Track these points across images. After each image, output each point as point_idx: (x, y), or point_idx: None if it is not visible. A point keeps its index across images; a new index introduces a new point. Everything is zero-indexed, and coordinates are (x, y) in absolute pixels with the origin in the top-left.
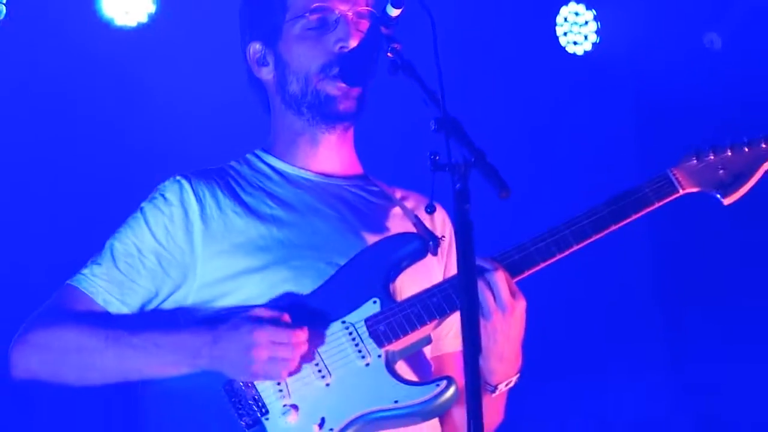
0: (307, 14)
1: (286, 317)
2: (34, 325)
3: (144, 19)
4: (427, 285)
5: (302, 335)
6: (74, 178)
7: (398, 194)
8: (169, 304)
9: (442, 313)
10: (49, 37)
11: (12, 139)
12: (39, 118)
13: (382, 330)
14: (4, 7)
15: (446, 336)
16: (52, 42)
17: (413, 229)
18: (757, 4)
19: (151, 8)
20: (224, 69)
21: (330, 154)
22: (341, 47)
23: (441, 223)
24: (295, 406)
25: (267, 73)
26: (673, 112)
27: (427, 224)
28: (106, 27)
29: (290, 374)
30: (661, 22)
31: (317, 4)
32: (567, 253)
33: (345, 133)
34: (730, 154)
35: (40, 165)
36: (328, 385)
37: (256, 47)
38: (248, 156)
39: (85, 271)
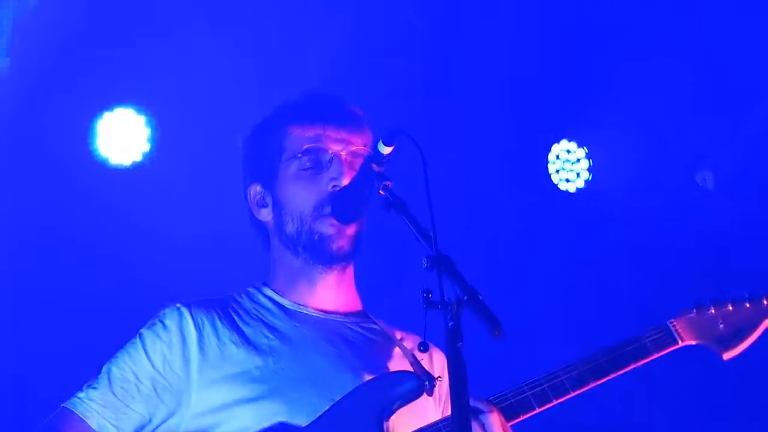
0: (300, 155)
1: None
2: None
3: (138, 158)
4: (421, 425)
5: None
6: (74, 306)
7: (398, 335)
8: (161, 431)
9: None
10: (45, 175)
11: (10, 274)
12: (39, 252)
13: None
14: None
15: None
16: (47, 180)
17: (410, 369)
18: (751, 142)
19: (146, 147)
20: (219, 205)
21: (328, 293)
22: (334, 186)
23: (439, 364)
24: None
25: (266, 215)
26: (666, 250)
27: (425, 365)
28: (101, 167)
29: None
30: (653, 159)
31: (310, 145)
32: (563, 399)
33: (343, 272)
34: (731, 308)
35: (40, 296)
36: None
37: (256, 189)
38: (249, 289)
39: (81, 394)
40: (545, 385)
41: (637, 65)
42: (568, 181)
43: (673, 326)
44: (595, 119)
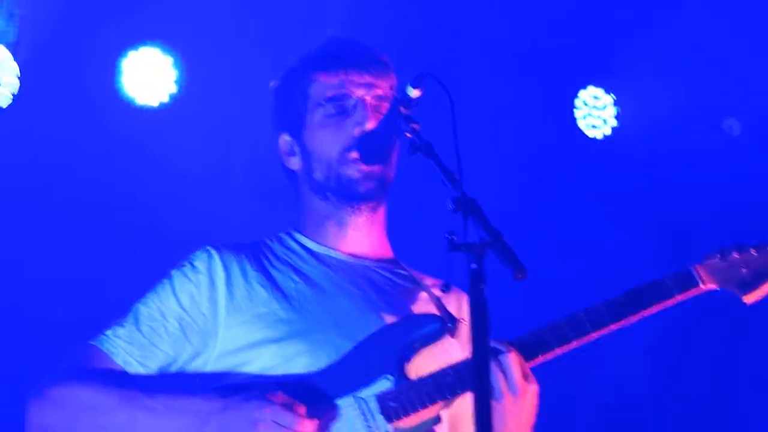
0: (324, 102)
1: (301, 408)
2: (52, 381)
3: (166, 99)
4: (443, 365)
5: (309, 426)
6: (107, 251)
7: (427, 281)
8: (188, 371)
9: (453, 393)
10: (69, 114)
11: (36, 217)
12: (61, 195)
13: (392, 406)
14: (18, 81)
15: (463, 423)
16: (72, 119)
17: (434, 311)
18: None
19: (173, 89)
20: (246, 150)
21: (359, 236)
22: (359, 131)
23: (464, 306)
24: None
25: (295, 163)
26: (691, 197)
27: (452, 308)
28: (127, 106)
29: None
30: (680, 106)
31: (335, 92)
32: (584, 340)
33: (373, 214)
34: (754, 253)
35: (67, 241)
36: None
37: (285, 139)
38: (280, 234)
39: (108, 332)
40: (565, 327)
41: (665, 10)
42: (594, 127)
43: (696, 270)
44: (622, 65)
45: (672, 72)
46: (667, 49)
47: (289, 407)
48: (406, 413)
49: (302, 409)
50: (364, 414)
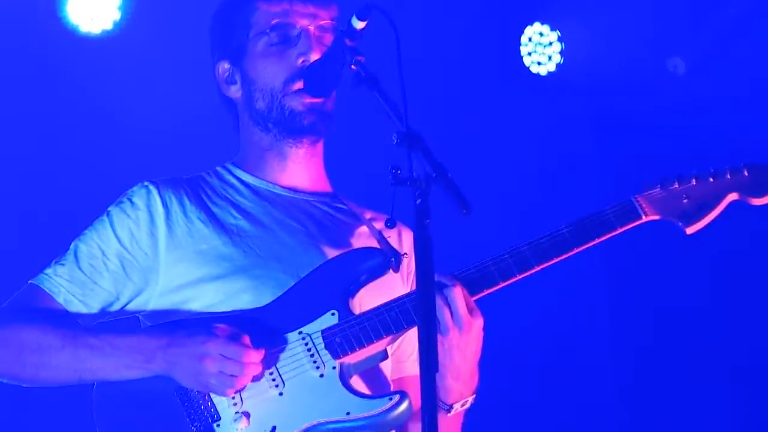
0: (268, 30)
1: (246, 338)
2: None
3: (109, 26)
4: (386, 299)
5: (255, 356)
6: (41, 183)
7: (368, 214)
8: (130, 309)
9: (399, 328)
10: (12, 42)
11: None
12: (4, 124)
13: (338, 342)
14: None
15: (408, 359)
16: (14, 48)
17: (377, 246)
18: (722, 29)
19: (116, 15)
20: (189, 79)
21: (298, 169)
22: (303, 61)
23: (408, 241)
24: (246, 414)
25: (235, 91)
26: (635, 135)
27: (394, 242)
28: (71, 34)
29: (237, 391)
30: (626, 45)
31: (278, 20)
32: (527, 273)
33: (313, 147)
34: (694, 183)
35: (5, 170)
36: (281, 394)
37: (224, 66)
38: (218, 168)
39: (48, 270)
40: (509, 260)
41: None
42: (540, 64)
43: (637, 201)
44: (568, 1)
45: (617, 9)
46: None
47: (234, 338)
48: (353, 349)
49: (247, 339)
50: (309, 349)
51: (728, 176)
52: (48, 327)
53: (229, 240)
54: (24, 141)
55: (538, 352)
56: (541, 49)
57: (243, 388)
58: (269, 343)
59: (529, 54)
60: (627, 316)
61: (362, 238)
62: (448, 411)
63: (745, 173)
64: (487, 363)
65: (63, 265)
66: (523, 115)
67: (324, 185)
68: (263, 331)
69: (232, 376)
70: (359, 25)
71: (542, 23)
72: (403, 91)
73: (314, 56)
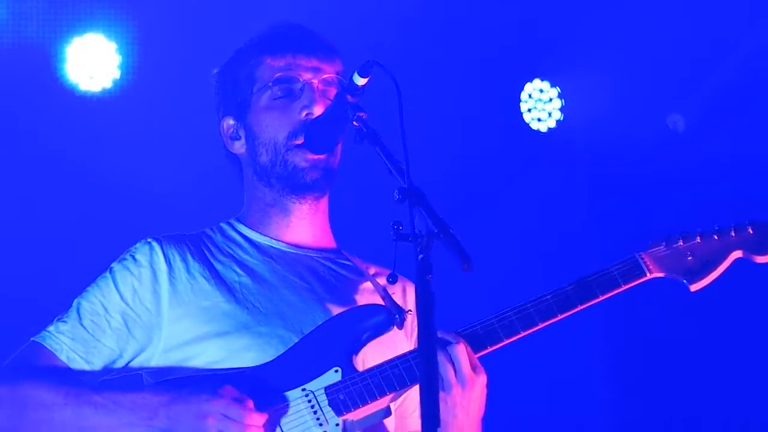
0: (272, 84)
1: (250, 403)
2: None
3: (108, 84)
4: (390, 356)
5: (258, 419)
6: (44, 241)
7: (372, 270)
8: (133, 366)
9: (403, 385)
10: (10, 100)
11: None
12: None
13: (341, 399)
14: None
15: (410, 415)
16: (13, 106)
17: (381, 302)
18: (721, 86)
19: (116, 73)
20: (191, 137)
21: (302, 225)
22: (307, 114)
23: (411, 297)
24: None
25: (240, 147)
26: (636, 192)
27: (397, 298)
28: (70, 93)
29: None
30: (625, 101)
31: (282, 74)
32: (531, 331)
33: (316, 203)
34: (699, 241)
35: (7, 227)
36: None
37: (229, 122)
38: (222, 224)
39: (51, 328)
40: (513, 318)
41: (611, 5)
42: (539, 120)
43: (642, 258)
44: (568, 58)
45: (617, 66)
46: (613, 43)
47: (238, 401)
48: (356, 405)
49: (250, 403)
50: (313, 407)
51: (733, 234)
52: (51, 384)
53: (233, 297)
54: (24, 199)
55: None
56: (541, 105)
57: None
58: (273, 400)
59: (529, 110)
60: (627, 375)
61: (366, 295)
62: None
63: (750, 231)
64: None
65: (65, 322)
66: (523, 171)
67: (328, 241)
68: (267, 388)
69: None
70: (361, 81)
71: (542, 79)
72: (405, 147)
73: (318, 109)
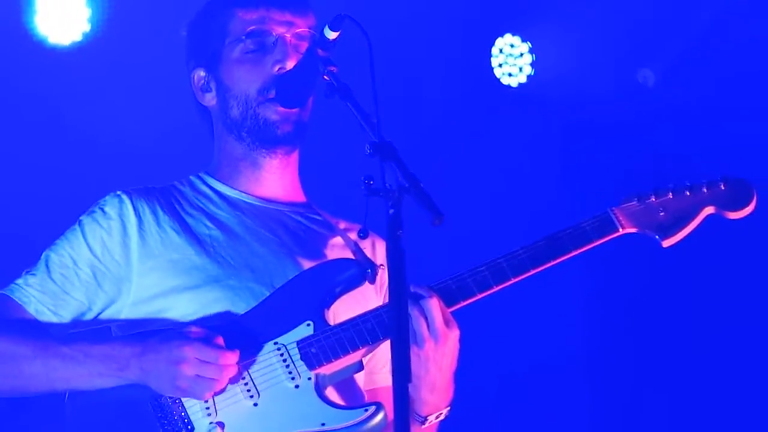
0: (244, 37)
1: (220, 339)
2: None
3: (78, 37)
4: (361, 311)
5: (232, 357)
6: (11, 193)
7: (342, 225)
8: (102, 319)
9: (375, 339)
10: None
11: None
12: None
13: (313, 353)
14: None
15: (381, 370)
16: None
17: (352, 257)
18: (691, 41)
19: (86, 27)
20: (161, 89)
21: (272, 179)
22: (279, 68)
23: (382, 252)
24: (221, 424)
25: (210, 99)
26: (608, 147)
27: (368, 253)
28: (39, 45)
29: (216, 394)
30: (597, 56)
31: (254, 27)
32: (504, 285)
33: (287, 157)
34: (671, 197)
35: None
36: (256, 404)
37: (199, 74)
38: (191, 177)
39: (19, 281)
40: (486, 272)
41: None
42: (510, 75)
43: (614, 213)
44: (539, 13)
45: (588, 21)
46: None
47: (208, 341)
48: (328, 360)
49: (221, 340)
50: (285, 360)
51: (705, 190)
52: (19, 337)
53: (203, 250)
54: None
55: (515, 361)
56: (512, 60)
57: (220, 392)
58: (244, 353)
59: (500, 65)
60: (603, 333)
61: (337, 249)
62: (423, 423)
63: (722, 187)
64: (464, 371)
65: (34, 275)
66: (493, 126)
67: (298, 195)
68: (238, 341)
69: (210, 379)
70: (332, 35)
71: (513, 34)
72: (376, 101)
73: (290, 63)
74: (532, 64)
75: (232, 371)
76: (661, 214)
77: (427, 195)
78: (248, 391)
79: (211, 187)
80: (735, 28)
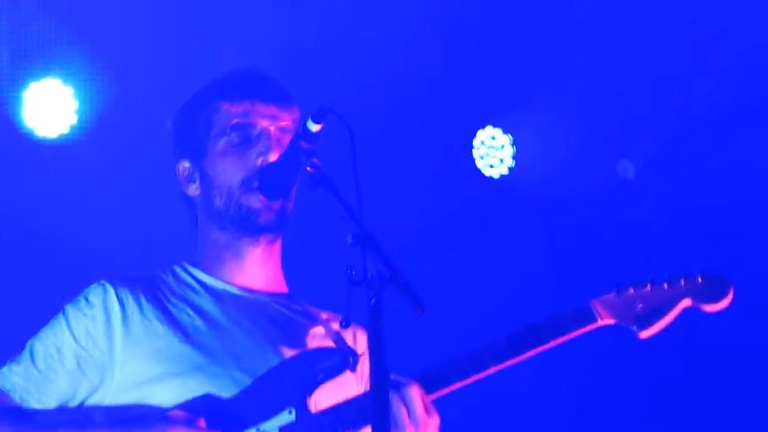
0: (229, 130)
1: (202, 422)
2: None
3: (65, 130)
4: (343, 399)
5: None
6: None
7: (323, 315)
8: (86, 406)
9: (355, 427)
10: None
11: None
12: None
13: None
14: None
15: None
16: None
17: (333, 346)
18: (669, 133)
19: (74, 119)
20: (146, 181)
21: (255, 268)
22: (262, 161)
23: (363, 342)
24: None
25: (194, 190)
26: (587, 238)
27: (349, 342)
28: (26, 138)
29: None
30: (576, 148)
31: (239, 120)
32: (484, 374)
33: (270, 246)
34: (649, 289)
35: None
36: None
37: (184, 165)
38: (175, 267)
39: (4, 369)
40: (466, 361)
41: (562, 53)
42: (492, 166)
43: (593, 305)
44: (520, 106)
45: (568, 114)
46: (564, 90)
47: (191, 423)
48: None
49: (203, 422)
50: None
51: (682, 283)
52: (4, 423)
53: (186, 338)
54: None
55: None
56: (493, 152)
57: None
58: None
59: (482, 157)
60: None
61: (318, 339)
62: None
63: (699, 280)
64: None
65: (19, 363)
66: (476, 217)
67: (280, 286)
68: (221, 426)
69: None
70: (314, 127)
71: (494, 126)
72: (358, 193)
73: (273, 156)
74: (513, 156)
75: None
76: (639, 305)
77: (408, 285)
78: None
79: (194, 277)
80: (710, 122)
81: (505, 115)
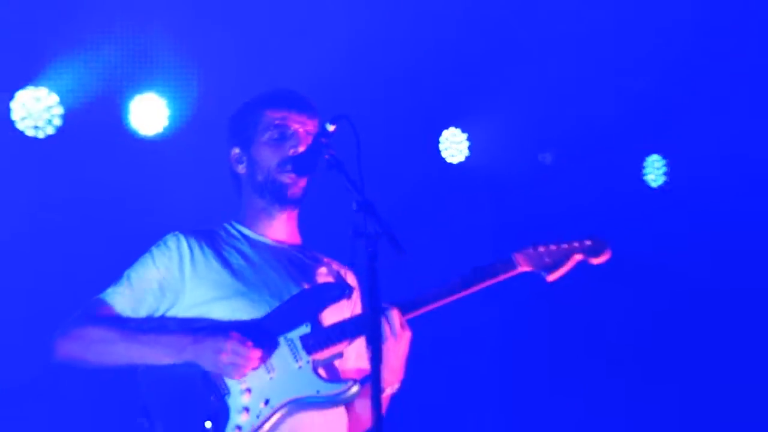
0: (272, 128)
1: (250, 343)
2: (73, 323)
3: (160, 130)
4: (341, 318)
5: (256, 354)
6: (102, 245)
7: (326, 260)
8: (166, 317)
9: (354, 336)
10: (88, 145)
11: (43, 220)
12: (75, 206)
13: (311, 344)
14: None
15: (348, 359)
16: (91, 148)
17: (333, 281)
18: (578, 131)
19: (166, 123)
20: (213, 166)
21: (281, 226)
22: (293, 151)
23: (354, 280)
24: (249, 389)
25: (242, 168)
26: (519, 209)
27: (348, 280)
28: (132, 136)
29: (243, 375)
30: (512, 142)
31: (278, 122)
32: (443, 302)
33: (292, 212)
34: (554, 248)
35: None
36: (272, 378)
37: (236, 151)
38: (225, 224)
39: (108, 290)
40: (430, 292)
41: (506, 70)
42: (453, 155)
43: (515, 257)
44: (475, 111)
45: (508, 117)
46: (506, 100)
47: (242, 341)
48: (321, 348)
49: (250, 343)
50: (292, 349)
51: (576, 244)
52: (109, 326)
53: (233, 274)
54: (98, 222)
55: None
56: (454, 145)
57: (246, 374)
58: (265, 343)
59: (446, 149)
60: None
61: (323, 276)
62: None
63: (588, 242)
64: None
65: (119, 285)
66: (440, 192)
67: (297, 239)
68: (260, 335)
69: (239, 365)
70: (330, 128)
71: (455, 127)
72: (361, 174)
73: (301, 148)
74: (469, 148)
75: (255, 363)
76: (547, 259)
77: (395, 237)
78: (267, 369)
79: (239, 231)
80: (621, 116)
81: (463, 117)
